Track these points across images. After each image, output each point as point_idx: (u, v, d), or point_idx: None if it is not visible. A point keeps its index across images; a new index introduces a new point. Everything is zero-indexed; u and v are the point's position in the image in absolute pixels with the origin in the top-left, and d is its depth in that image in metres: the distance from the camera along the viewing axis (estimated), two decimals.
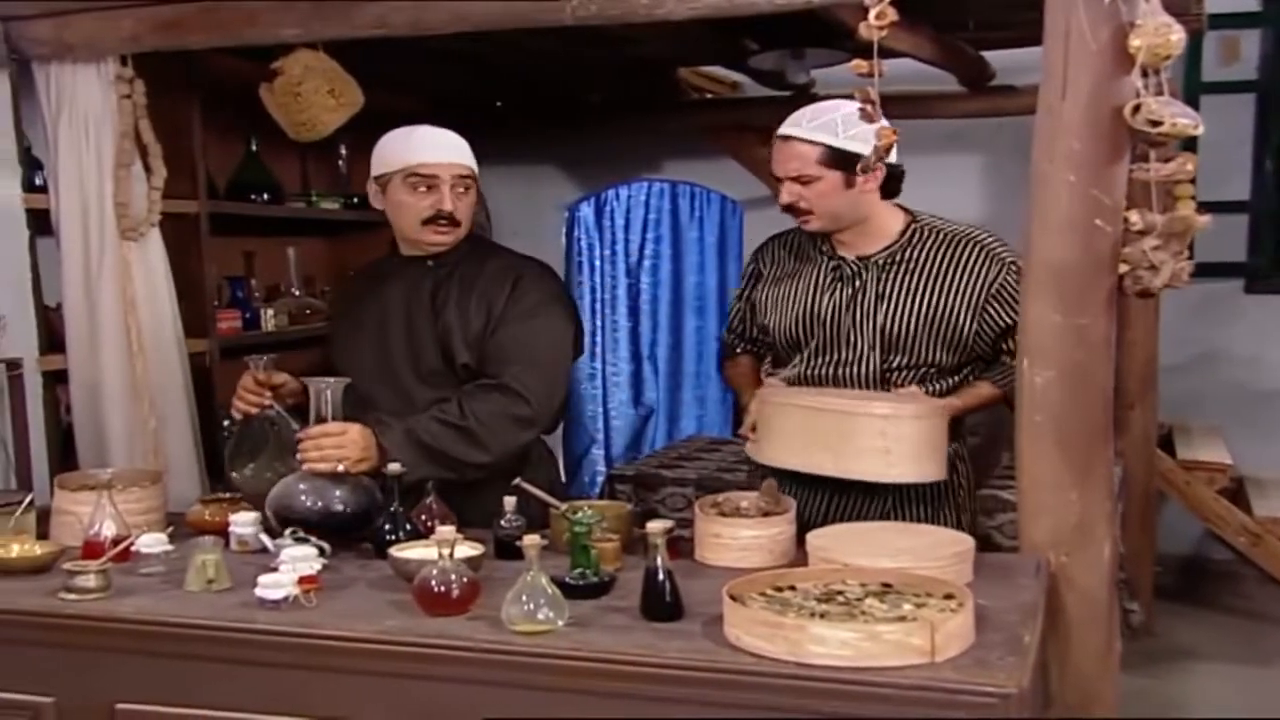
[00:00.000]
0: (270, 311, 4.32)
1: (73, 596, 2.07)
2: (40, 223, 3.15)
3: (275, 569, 2.04)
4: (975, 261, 2.51)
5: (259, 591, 1.99)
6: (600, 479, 5.11)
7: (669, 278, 5.72)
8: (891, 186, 2.53)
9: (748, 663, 1.72)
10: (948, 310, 2.50)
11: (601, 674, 1.77)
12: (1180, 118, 1.99)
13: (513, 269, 2.68)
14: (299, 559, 2.05)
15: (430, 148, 2.62)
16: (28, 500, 2.44)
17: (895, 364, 2.53)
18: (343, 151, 4.88)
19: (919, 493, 2.53)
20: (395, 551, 2.15)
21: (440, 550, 1.95)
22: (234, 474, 2.59)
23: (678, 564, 2.00)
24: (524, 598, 1.85)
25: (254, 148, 4.33)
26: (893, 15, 2.04)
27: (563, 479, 3.32)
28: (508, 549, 2.22)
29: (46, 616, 2.05)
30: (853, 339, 2.54)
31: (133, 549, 2.23)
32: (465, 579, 1.95)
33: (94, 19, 2.97)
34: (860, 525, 2.39)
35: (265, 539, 2.31)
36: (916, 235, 2.55)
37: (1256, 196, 5.37)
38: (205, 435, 3.33)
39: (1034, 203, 2.15)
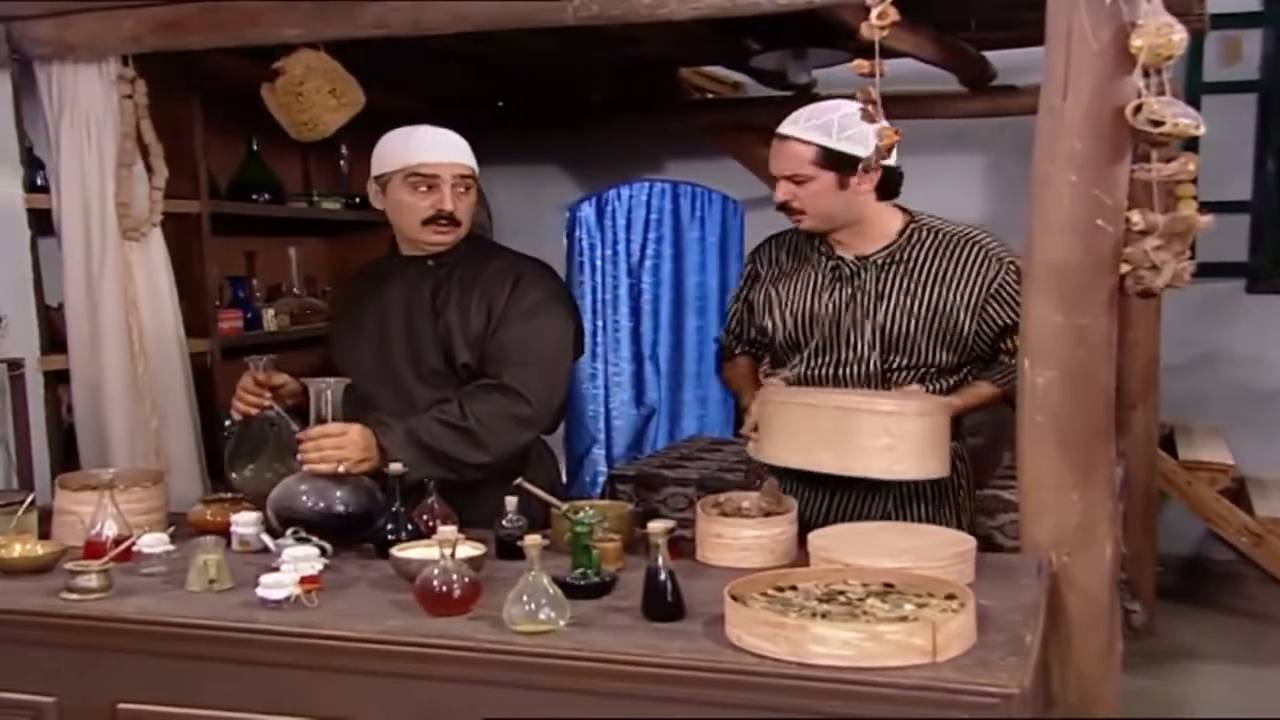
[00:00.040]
0: (272, 311, 4.32)
1: (74, 596, 2.07)
2: (42, 223, 3.15)
3: (277, 569, 2.04)
4: (974, 261, 2.51)
5: (260, 591, 1.99)
6: (601, 479, 5.11)
7: (670, 278, 5.72)
8: (889, 188, 2.53)
9: (749, 663, 1.72)
10: (947, 310, 2.50)
11: (603, 674, 1.77)
12: (1182, 118, 1.99)
13: (513, 268, 2.68)
14: (300, 559, 2.05)
15: (430, 147, 2.62)
16: (29, 500, 2.44)
17: (895, 364, 2.53)
18: (344, 151, 4.89)
19: (919, 492, 2.54)
20: (397, 551, 2.15)
21: (442, 550, 1.95)
22: (233, 475, 2.59)
23: (679, 564, 2.00)
24: (525, 598, 1.85)
25: (255, 148, 4.33)
26: (894, 15, 2.04)
27: (563, 479, 3.32)
28: (509, 549, 2.22)
29: (48, 616, 2.05)
30: (852, 339, 2.54)
31: (134, 549, 2.23)
32: (467, 579, 1.95)
33: (95, 19, 2.97)
34: (861, 525, 2.39)
35: (267, 539, 2.31)
36: (915, 235, 2.55)
37: (1258, 196, 5.37)
38: (207, 435, 3.33)
39: (1035, 203, 2.15)
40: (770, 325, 2.64)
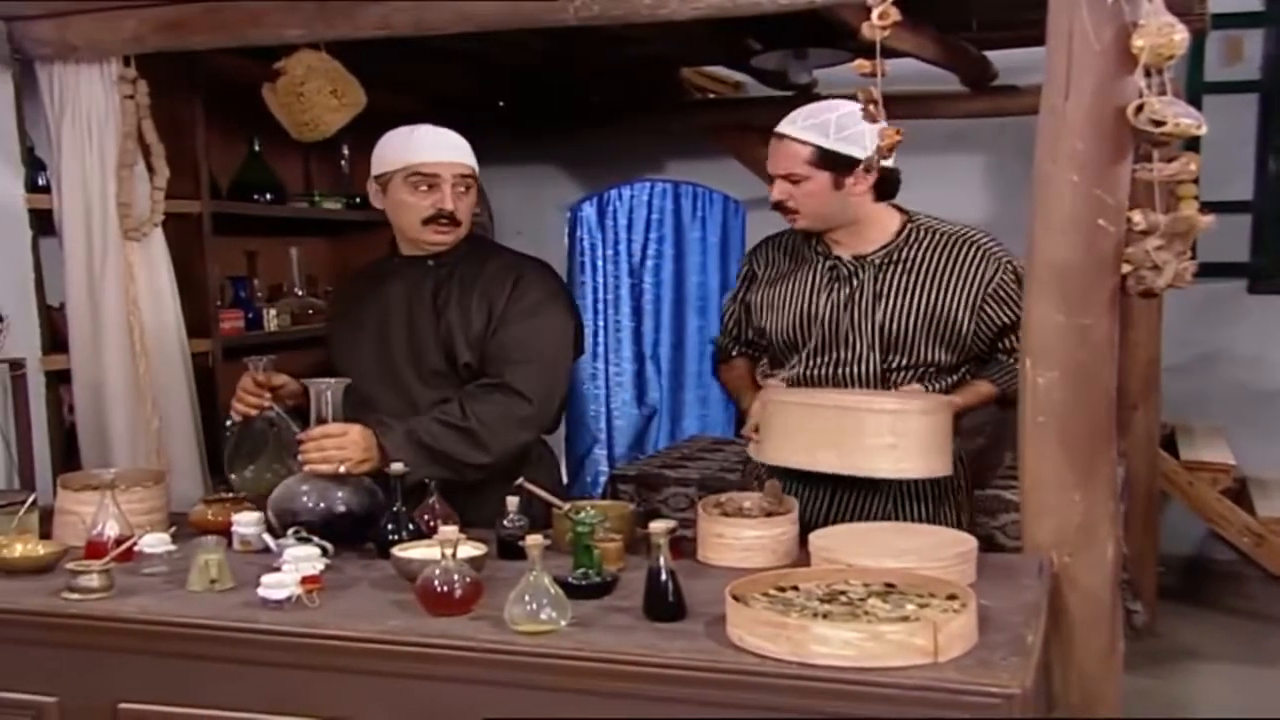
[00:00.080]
0: (273, 311, 4.32)
1: (76, 596, 2.07)
2: (43, 223, 3.15)
3: (278, 569, 2.04)
4: (972, 261, 2.52)
5: (262, 591, 1.99)
6: (603, 479, 5.11)
7: (671, 278, 5.73)
8: (887, 188, 2.53)
9: (750, 663, 1.71)
10: (946, 309, 2.50)
11: (604, 674, 1.77)
12: (1183, 118, 1.99)
13: (513, 268, 2.69)
14: (302, 559, 2.05)
15: (431, 147, 2.63)
16: (31, 500, 2.44)
17: (895, 364, 2.53)
18: (345, 151, 4.88)
19: (919, 492, 2.54)
20: (398, 551, 2.15)
21: (443, 550, 1.95)
22: (233, 476, 2.59)
23: (680, 564, 1.99)
24: (527, 598, 1.85)
25: (256, 148, 4.33)
26: (895, 15, 2.04)
27: (564, 479, 3.32)
28: (510, 549, 2.22)
29: (49, 616, 2.05)
30: (851, 339, 2.54)
31: (135, 549, 2.23)
32: (468, 579, 1.95)
33: (97, 19, 2.97)
34: (863, 525, 2.39)
35: (268, 539, 2.31)
36: (913, 235, 2.55)
37: (1259, 196, 5.37)
38: (208, 435, 3.33)
39: (1037, 203, 2.14)
40: (768, 326, 2.63)
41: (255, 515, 2.39)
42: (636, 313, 5.77)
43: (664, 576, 1.90)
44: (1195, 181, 2.71)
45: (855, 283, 2.55)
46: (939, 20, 3.87)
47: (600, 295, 5.75)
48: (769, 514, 2.29)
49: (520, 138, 5.48)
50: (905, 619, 1.76)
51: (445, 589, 1.93)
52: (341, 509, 2.34)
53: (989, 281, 2.51)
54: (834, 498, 2.56)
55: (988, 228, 2.62)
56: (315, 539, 2.18)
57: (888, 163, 2.43)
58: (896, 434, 2.29)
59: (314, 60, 3.22)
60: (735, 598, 1.81)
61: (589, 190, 5.91)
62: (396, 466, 2.34)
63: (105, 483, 2.36)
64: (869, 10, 2.05)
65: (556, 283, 2.77)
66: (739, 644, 1.75)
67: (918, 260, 2.53)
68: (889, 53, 2.16)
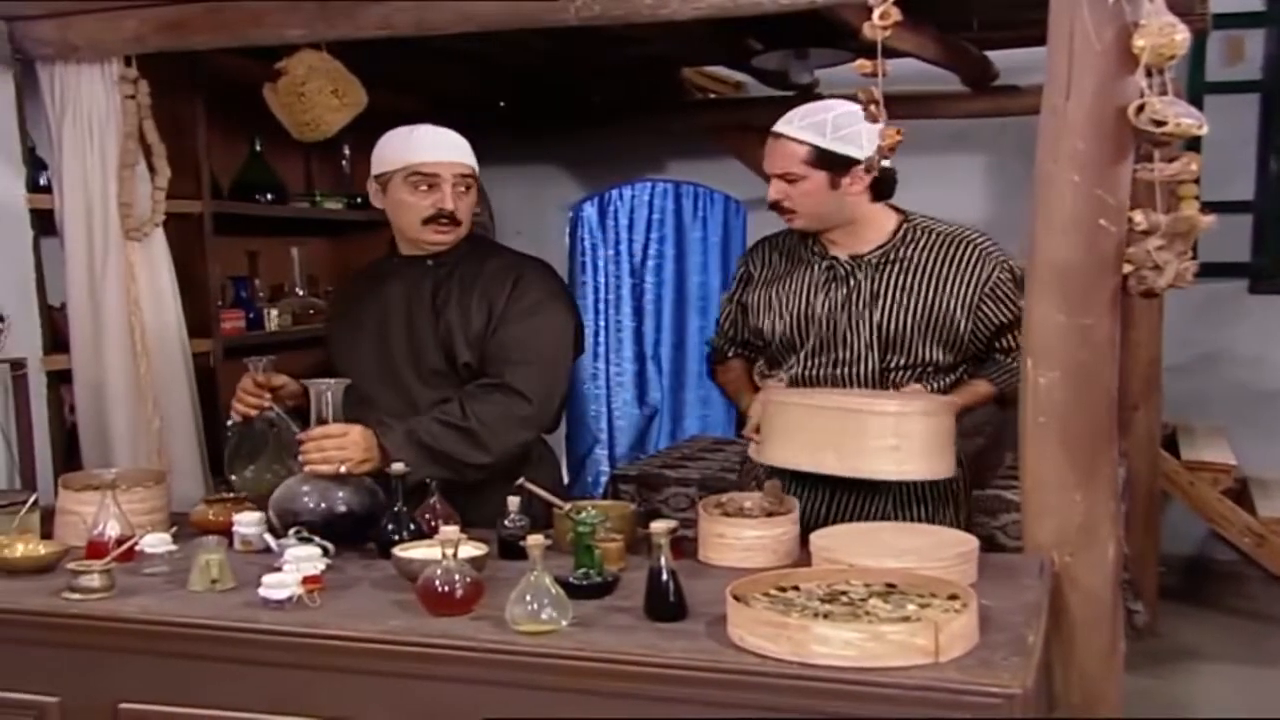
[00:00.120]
0: (274, 311, 4.32)
1: (77, 596, 2.07)
2: (44, 223, 3.15)
3: (279, 569, 2.04)
4: (969, 261, 2.52)
5: (263, 591, 1.99)
6: (604, 479, 5.11)
7: (673, 278, 5.73)
8: (883, 188, 2.53)
9: (751, 663, 1.71)
10: (943, 309, 2.50)
11: (605, 674, 1.77)
12: (1184, 118, 1.99)
13: (513, 267, 2.69)
14: (303, 559, 2.05)
15: (431, 147, 2.63)
16: (32, 500, 2.44)
17: (893, 363, 2.53)
18: (346, 151, 4.88)
19: (919, 493, 2.54)
20: (399, 551, 2.15)
21: (444, 550, 1.95)
22: (233, 476, 2.59)
23: (681, 564, 2.00)
24: (528, 598, 1.85)
25: (258, 148, 4.33)
26: (896, 15, 2.04)
27: (565, 479, 3.32)
28: (511, 549, 2.22)
29: (50, 616, 2.05)
30: (849, 339, 2.54)
31: (136, 549, 2.23)
32: (469, 579, 1.95)
33: (98, 19, 2.97)
34: (864, 525, 2.39)
35: (269, 539, 2.31)
36: (909, 235, 2.56)
37: (1261, 196, 5.37)
38: (209, 435, 3.33)
39: (1038, 203, 2.14)
40: (766, 327, 2.63)
41: (256, 515, 2.39)
42: (637, 313, 5.77)
43: (665, 576, 1.90)
44: (1196, 181, 2.71)
45: (853, 283, 2.55)
46: (940, 20, 3.86)
47: (601, 295, 5.75)
48: (770, 514, 2.29)
49: (521, 138, 5.48)
50: (906, 619, 1.76)
51: (446, 589, 1.93)
52: (342, 509, 2.34)
53: (986, 281, 2.51)
54: (833, 498, 2.56)
55: (989, 228, 2.62)
56: (316, 539, 2.18)
57: (885, 162, 2.43)
58: (899, 436, 2.29)
59: (315, 60, 3.22)
60: (736, 598, 1.81)
61: (590, 190, 5.91)
62: (398, 466, 2.34)
63: (106, 483, 2.37)
64: (870, 10, 2.05)
65: (556, 282, 2.77)
66: (740, 644, 1.75)
67: (915, 260, 2.53)
68: (890, 53, 2.16)
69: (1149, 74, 2.01)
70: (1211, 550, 5.33)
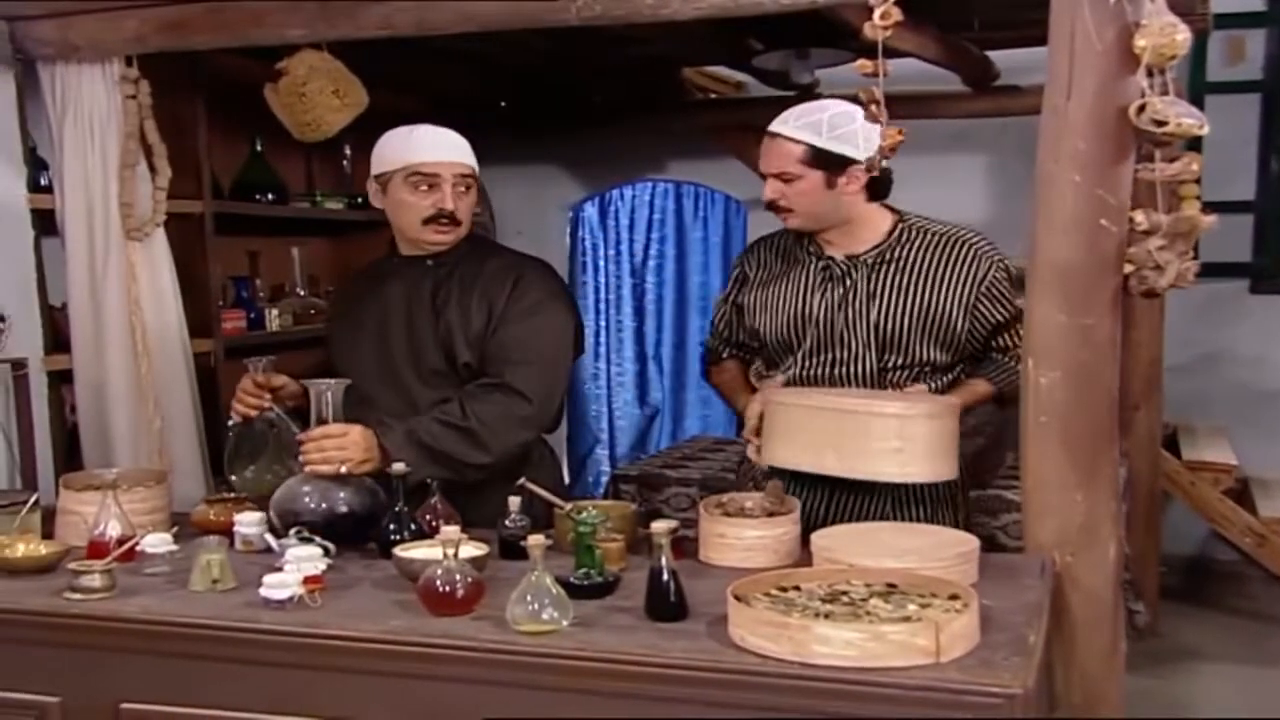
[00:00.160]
0: (275, 311, 4.32)
1: (78, 596, 2.07)
2: (45, 223, 3.15)
3: (280, 569, 2.04)
4: (964, 260, 2.52)
5: (264, 591, 1.99)
6: (605, 479, 5.11)
7: (673, 278, 5.73)
8: (878, 188, 2.53)
9: (752, 663, 1.71)
10: (940, 308, 2.50)
11: (606, 674, 1.77)
12: (1185, 118, 1.99)
13: (513, 267, 2.68)
14: (304, 559, 2.05)
15: (431, 147, 2.62)
16: (33, 500, 2.44)
17: (891, 363, 2.53)
18: (347, 151, 4.89)
19: (918, 493, 2.53)
20: (400, 551, 2.15)
21: (445, 550, 1.95)
22: (233, 477, 2.59)
23: (682, 564, 2.00)
24: (528, 598, 1.85)
25: (259, 148, 4.33)
26: (897, 15, 2.04)
27: (566, 479, 3.32)
28: (512, 549, 2.22)
29: (51, 616, 2.05)
30: (846, 338, 2.54)
31: (137, 549, 2.23)
32: (470, 579, 1.95)
33: (99, 19, 2.97)
34: (864, 525, 2.39)
35: (270, 539, 2.31)
36: (905, 235, 2.56)
37: (1262, 196, 5.37)
38: (210, 435, 3.34)
39: (1039, 203, 2.14)
40: (762, 327, 2.63)
41: (257, 515, 2.39)
42: (638, 313, 5.77)
43: (666, 577, 1.90)
44: (1197, 181, 2.71)
45: (849, 282, 2.55)
46: (941, 20, 3.86)
47: (602, 295, 5.75)
48: (771, 514, 2.29)
49: (522, 138, 5.48)
50: (907, 619, 1.76)
51: (447, 589, 1.93)
52: (343, 509, 2.34)
53: (982, 280, 2.51)
54: (832, 498, 2.56)
55: (990, 228, 2.62)
56: (317, 539, 2.18)
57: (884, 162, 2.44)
58: (903, 438, 2.28)
59: (316, 60, 3.22)
60: (737, 598, 1.81)
61: (591, 190, 5.91)
62: (398, 466, 2.34)
63: (107, 483, 2.37)
64: (871, 10, 2.05)
65: (556, 282, 2.77)
66: (741, 644, 1.75)
67: (910, 260, 2.53)
68: (891, 53, 2.17)
69: (1150, 74, 2.01)
70: (1212, 550, 5.33)
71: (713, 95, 5.58)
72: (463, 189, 2.63)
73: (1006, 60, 4.64)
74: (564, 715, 1.79)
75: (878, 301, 2.52)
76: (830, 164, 2.45)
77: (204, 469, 3.30)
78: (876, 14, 2.04)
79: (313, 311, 4.48)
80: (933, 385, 2.54)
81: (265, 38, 2.90)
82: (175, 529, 2.33)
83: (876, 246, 2.55)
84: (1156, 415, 4.69)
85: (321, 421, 2.41)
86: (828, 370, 2.56)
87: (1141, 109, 2.00)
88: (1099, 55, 2.04)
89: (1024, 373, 2.20)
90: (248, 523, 2.38)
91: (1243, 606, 5.01)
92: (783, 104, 2.60)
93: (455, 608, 1.93)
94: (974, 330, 2.54)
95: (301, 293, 4.58)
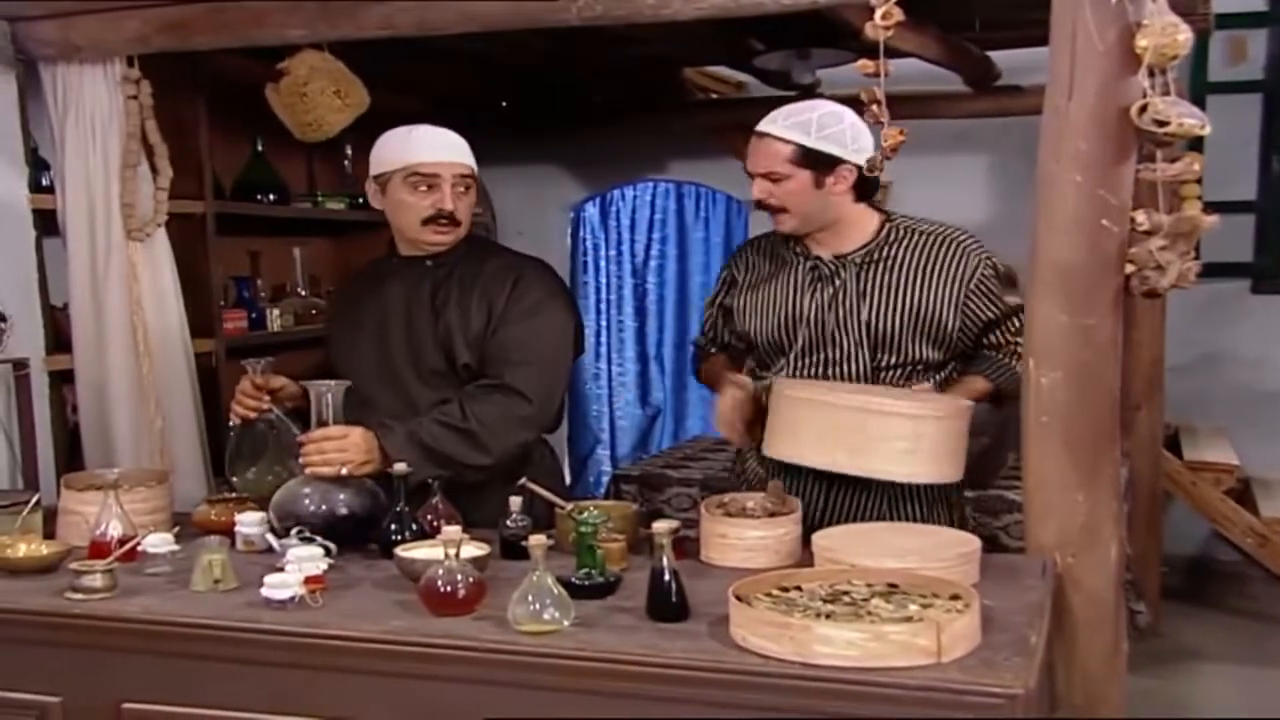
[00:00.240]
0: (276, 311, 4.33)
1: (79, 596, 2.07)
2: (47, 223, 3.15)
3: (281, 569, 2.04)
4: (952, 258, 2.52)
5: (265, 591, 1.99)
6: (606, 479, 5.12)
7: (674, 278, 5.73)
8: (866, 188, 2.53)
9: (753, 663, 1.71)
10: (930, 306, 2.50)
11: (607, 674, 1.77)
12: (1187, 118, 1.99)
13: (513, 268, 2.68)
14: (305, 559, 2.05)
15: (430, 147, 2.62)
16: (34, 500, 2.44)
17: (885, 362, 2.53)
18: (348, 152, 4.89)
19: (914, 491, 2.53)
20: (401, 551, 2.15)
21: (446, 550, 1.95)
22: (234, 478, 2.59)
23: (683, 564, 1.99)
24: (530, 598, 1.85)
25: (260, 148, 4.33)
26: (898, 15, 2.04)
27: (567, 479, 3.32)
28: (513, 549, 2.22)
29: (53, 616, 2.05)
30: (838, 338, 2.54)
31: (139, 549, 2.23)
32: (471, 579, 1.95)
33: (100, 20, 2.97)
34: (866, 525, 2.39)
35: (271, 539, 2.31)
36: (892, 234, 2.56)
37: (1263, 196, 5.37)
38: (211, 435, 3.34)
39: (1040, 203, 2.14)
40: (753, 329, 2.62)
41: (258, 515, 2.39)
42: (639, 313, 5.77)
43: (667, 577, 1.90)
44: (1199, 181, 2.72)
45: (838, 282, 2.54)
46: (942, 20, 3.87)
47: (603, 295, 5.76)
48: (772, 514, 2.29)
49: (523, 138, 5.48)
50: (908, 619, 1.76)
51: (448, 589, 1.93)
52: (344, 511, 2.34)
53: (970, 277, 2.51)
54: (829, 496, 2.55)
55: (991, 228, 2.62)
56: (318, 539, 2.18)
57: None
58: (913, 438, 2.27)
59: (317, 60, 3.22)
60: (738, 598, 1.81)
61: (592, 190, 5.91)
62: (400, 467, 2.34)
63: (108, 483, 2.36)
64: (872, 10, 2.05)
65: (556, 282, 2.77)
66: (742, 644, 1.75)
67: (898, 259, 2.53)
68: (892, 53, 2.17)
69: (1151, 74, 2.01)
70: (1214, 550, 5.33)
71: (714, 95, 5.58)
72: (462, 189, 2.63)
73: (1008, 60, 4.64)
74: (565, 715, 1.79)
75: (868, 301, 2.52)
76: (818, 164, 2.45)
77: (205, 469, 3.30)
78: (878, 14, 2.04)
79: (314, 312, 4.48)
80: (928, 383, 2.54)
81: (266, 38, 2.90)
82: (176, 529, 2.33)
83: (864, 246, 2.55)
84: (1158, 415, 4.69)
85: (322, 423, 2.41)
86: (821, 370, 2.56)
87: (1143, 109, 2.00)
88: (1100, 55, 2.04)
89: (1025, 373, 2.20)
90: (249, 523, 2.38)
91: (1244, 607, 5.01)
92: (784, 104, 2.60)
93: (456, 608, 1.93)
94: (965, 328, 2.54)
95: (303, 293, 4.58)
